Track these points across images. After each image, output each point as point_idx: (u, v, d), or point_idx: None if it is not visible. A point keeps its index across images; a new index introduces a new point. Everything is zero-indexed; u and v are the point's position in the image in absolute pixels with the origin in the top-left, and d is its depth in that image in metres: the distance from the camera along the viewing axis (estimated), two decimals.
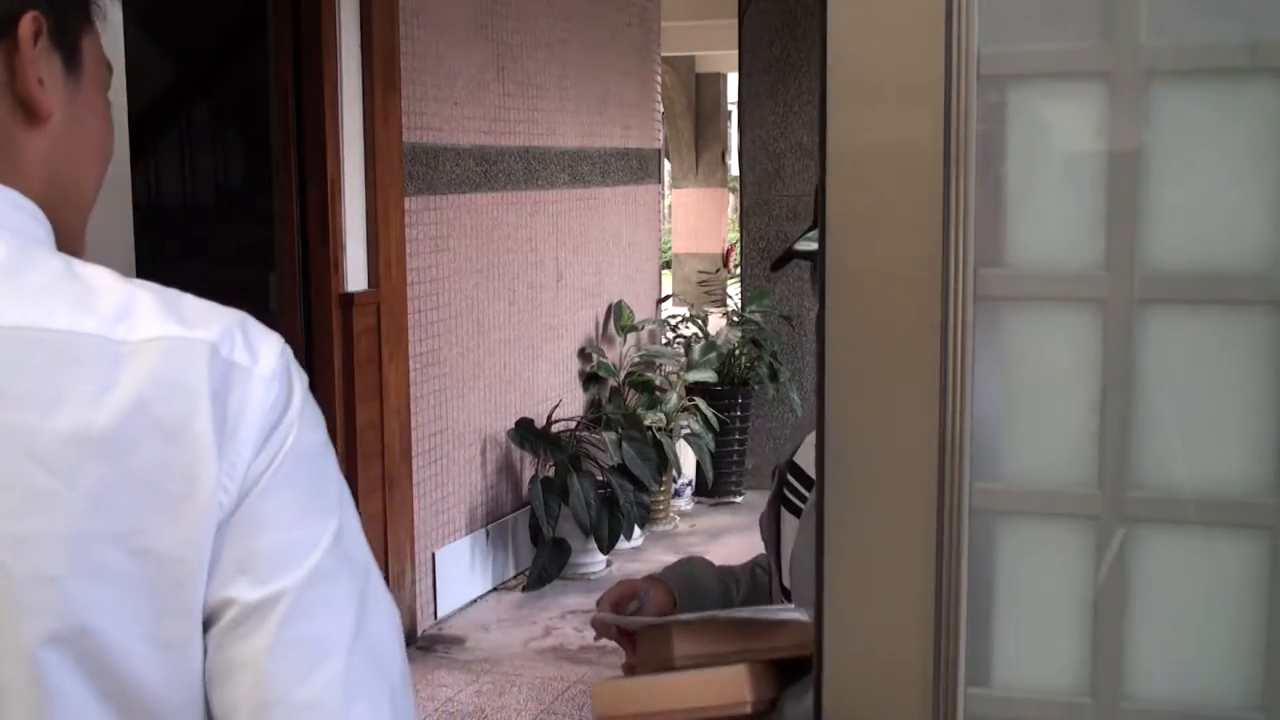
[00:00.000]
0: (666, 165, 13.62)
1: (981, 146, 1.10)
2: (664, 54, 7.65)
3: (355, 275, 4.78)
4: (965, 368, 1.11)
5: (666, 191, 13.46)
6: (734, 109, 9.39)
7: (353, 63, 4.64)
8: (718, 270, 9.88)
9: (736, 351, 6.95)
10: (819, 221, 1.14)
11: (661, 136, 7.98)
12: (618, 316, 6.76)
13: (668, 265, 13.24)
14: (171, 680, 0.79)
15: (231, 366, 0.83)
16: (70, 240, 0.97)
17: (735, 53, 7.29)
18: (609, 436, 5.86)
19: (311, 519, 0.85)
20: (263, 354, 0.86)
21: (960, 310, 1.11)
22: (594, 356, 6.54)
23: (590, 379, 6.58)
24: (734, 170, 11.03)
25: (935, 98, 1.09)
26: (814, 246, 1.62)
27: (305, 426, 0.87)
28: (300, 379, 0.88)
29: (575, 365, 6.58)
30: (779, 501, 1.70)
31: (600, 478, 5.78)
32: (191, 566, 0.80)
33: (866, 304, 1.13)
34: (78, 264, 0.88)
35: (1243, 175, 1.10)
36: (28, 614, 0.76)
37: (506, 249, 5.82)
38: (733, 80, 9.18)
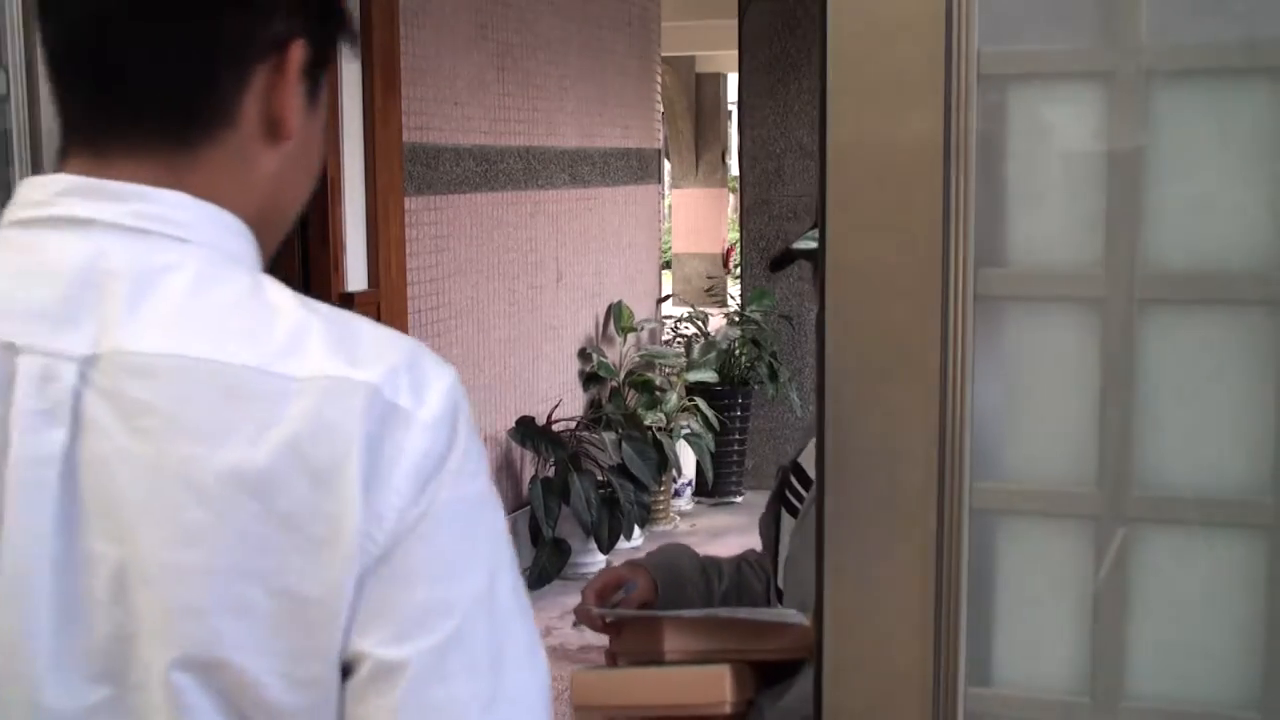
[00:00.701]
0: (666, 165, 13.63)
1: (981, 146, 1.10)
2: (664, 54, 7.66)
3: (355, 275, 4.77)
4: (965, 368, 1.11)
5: (666, 191, 13.46)
6: (734, 109, 9.39)
7: (353, 63, 4.63)
8: (725, 272, 9.87)
9: (736, 351, 6.95)
10: (819, 221, 1.14)
11: (661, 136, 7.98)
12: (618, 317, 6.76)
13: (668, 265, 13.25)
14: (307, 712, 0.79)
15: (392, 410, 0.81)
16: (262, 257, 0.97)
17: (735, 53, 7.29)
18: (609, 436, 5.86)
19: (459, 574, 0.83)
20: (429, 397, 0.83)
21: (960, 310, 1.11)
22: (594, 356, 6.54)
23: (590, 379, 6.58)
24: (734, 170, 11.03)
25: (935, 98, 1.09)
26: (813, 245, 1.61)
27: (463, 476, 0.84)
28: (464, 423, 0.85)
29: (575, 365, 6.57)
30: (779, 502, 1.69)
31: (600, 478, 5.78)
32: (330, 611, 0.79)
33: (866, 304, 1.13)
34: (266, 282, 0.87)
35: (1242, 175, 1.10)
36: (169, 640, 0.78)
37: (506, 249, 5.82)
38: (733, 80, 9.18)
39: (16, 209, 0.87)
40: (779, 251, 1.68)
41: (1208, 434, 1.11)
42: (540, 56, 6.08)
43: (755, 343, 7.05)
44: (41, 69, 1.32)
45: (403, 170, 5.01)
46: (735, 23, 7.29)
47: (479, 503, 0.85)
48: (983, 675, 1.15)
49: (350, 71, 4.72)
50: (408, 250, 5.11)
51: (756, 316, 7.12)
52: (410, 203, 5.10)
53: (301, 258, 4.79)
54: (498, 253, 5.73)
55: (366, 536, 0.79)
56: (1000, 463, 1.13)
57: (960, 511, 1.12)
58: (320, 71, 0.94)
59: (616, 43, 6.88)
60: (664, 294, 7.90)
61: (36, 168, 1.33)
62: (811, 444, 1.69)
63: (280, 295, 0.86)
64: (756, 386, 7.01)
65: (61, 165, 0.88)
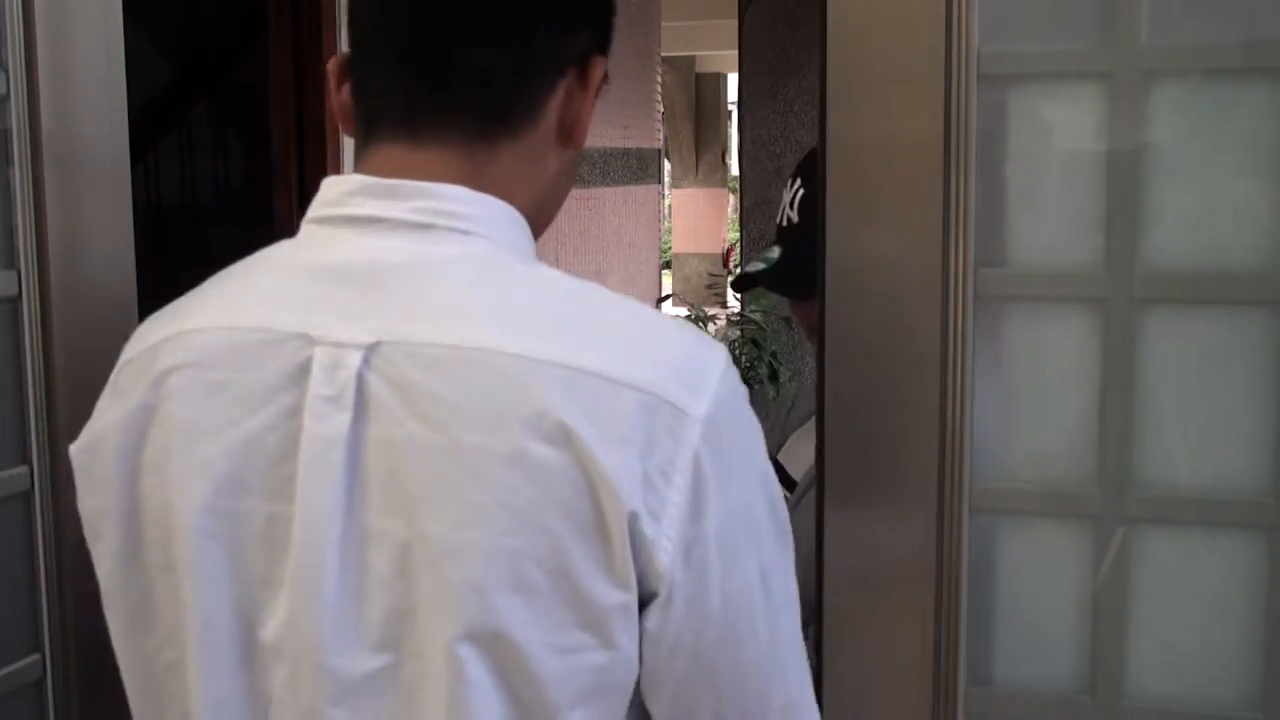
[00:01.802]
0: (666, 165, 13.63)
1: (981, 146, 1.10)
2: (664, 54, 7.65)
3: None
4: (965, 368, 1.11)
5: (666, 191, 13.46)
6: (734, 109, 9.39)
7: None
8: (725, 272, 9.87)
9: (736, 352, 6.95)
10: (819, 221, 1.14)
11: (661, 136, 7.98)
12: None
13: (668, 265, 13.24)
14: (563, 677, 0.84)
15: (668, 409, 0.84)
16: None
17: (735, 53, 7.29)
18: None
19: (736, 568, 0.87)
20: (702, 393, 0.86)
21: (960, 310, 1.11)
22: None
23: None
24: (734, 170, 11.03)
25: (935, 97, 1.09)
26: (763, 266, 1.60)
27: (737, 474, 0.88)
28: (741, 419, 0.89)
29: None
30: None
31: None
32: (599, 590, 0.83)
33: (866, 304, 1.13)
34: (545, 271, 0.92)
35: (1242, 175, 1.10)
36: (455, 615, 0.83)
37: None
38: (733, 80, 9.18)
39: (316, 207, 0.94)
40: (738, 275, 1.68)
41: (1208, 434, 1.11)
42: None
43: (755, 343, 7.05)
44: (42, 69, 1.33)
45: None
46: (735, 23, 7.29)
47: (754, 492, 0.89)
48: (983, 675, 1.15)
49: None
50: None
51: (756, 317, 7.12)
52: None
53: None
54: None
55: (638, 521, 0.83)
56: (1000, 463, 1.13)
57: (960, 511, 1.12)
58: (593, 100, 1.01)
59: (616, 43, 6.88)
60: (664, 294, 7.89)
61: (37, 167, 1.33)
62: (791, 440, 1.68)
63: (562, 284, 0.91)
64: (756, 387, 7.01)
65: (365, 152, 0.95)
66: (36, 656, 1.33)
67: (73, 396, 1.34)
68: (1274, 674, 1.10)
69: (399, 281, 0.88)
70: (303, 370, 0.87)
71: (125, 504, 0.91)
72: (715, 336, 7.15)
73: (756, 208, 7.48)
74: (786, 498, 1.63)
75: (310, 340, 0.87)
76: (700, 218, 14.72)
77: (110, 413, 0.92)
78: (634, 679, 0.86)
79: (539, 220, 0.99)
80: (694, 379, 0.86)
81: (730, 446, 0.87)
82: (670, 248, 14.14)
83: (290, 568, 0.86)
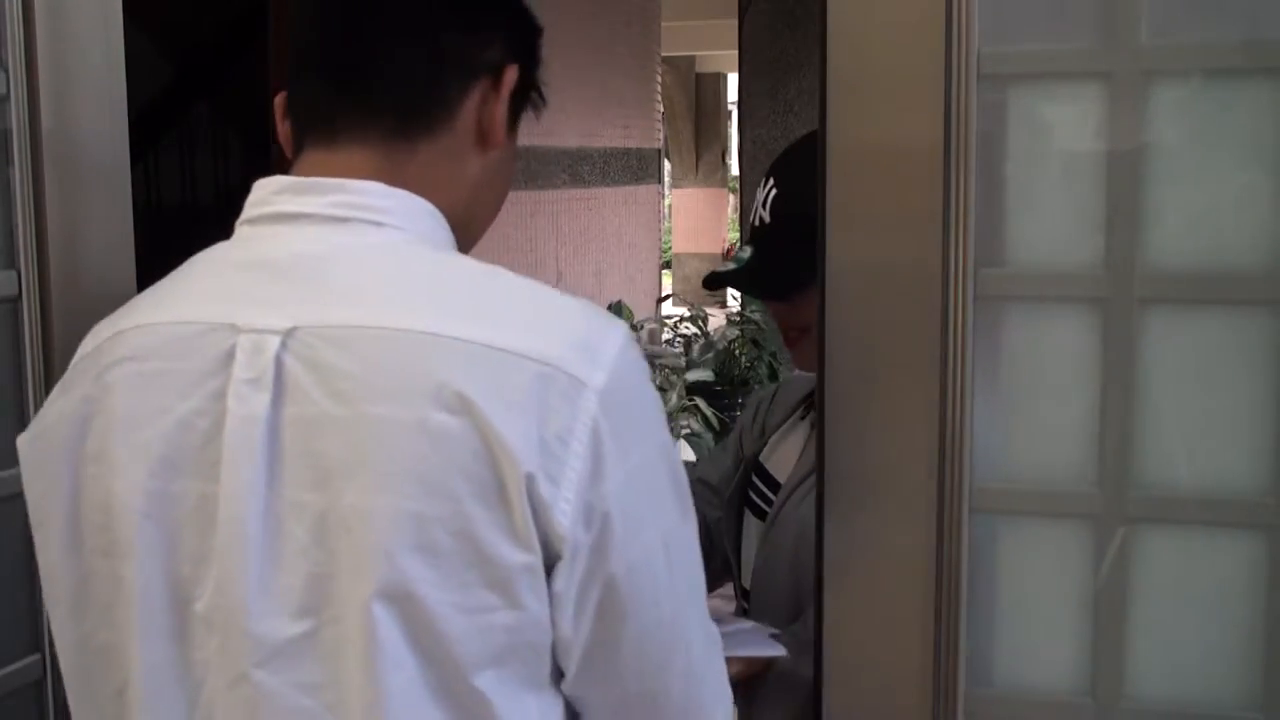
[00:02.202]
0: (666, 165, 13.63)
1: (981, 146, 1.10)
2: (664, 54, 7.66)
3: None
4: (965, 368, 1.11)
5: (666, 191, 13.46)
6: (734, 109, 9.39)
7: None
8: None
9: (736, 351, 6.95)
10: (819, 220, 1.14)
11: (661, 136, 7.98)
12: (617, 316, 6.76)
13: (668, 265, 13.25)
14: (472, 636, 0.89)
15: (565, 379, 0.89)
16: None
17: (735, 53, 7.30)
18: None
19: (637, 535, 0.92)
20: (600, 365, 0.91)
21: (960, 310, 1.11)
22: None
23: None
24: (734, 170, 11.03)
25: (935, 98, 1.09)
26: (734, 267, 1.58)
27: (637, 444, 0.92)
28: (640, 392, 0.94)
29: None
30: (741, 497, 1.67)
31: None
32: (501, 550, 0.88)
33: (866, 304, 1.13)
34: (455, 258, 1.00)
35: (1242, 175, 1.10)
36: (368, 577, 0.88)
37: (506, 249, 5.82)
38: (733, 80, 9.18)
39: (246, 209, 1.01)
40: (709, 274, 1.67)
41: (1208, 434, 1.11)
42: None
43: (755, 343, 7.06)
44: (42, 69, 1.33)
45: None
46: (735, 23, 7.28)
47: (656, 461, 0.94)
48: (983, 675, 1.15)
49: None
50: None
51: (756, 316, 7.12)
52: None
53: None
54: (497, 253, 5.73)
55: (534, 484, 0.88)
56: (1000, 463, 1.13)
57: (960, 511, 1.12)
58: (518, 113, 1.08)
59: (616, 42, 6.88)
60: (664, 294, 7.89)
61: (37, 167, 1.33)
62: (773, 441, 1.67)
63: (469, 269, 0.97)
64: (756, 386, 7.01)
65: (295, 161, 1.03)
66: (36, 656, 1.33)
67: None
68: (1274, 674, 1.10)
69: (316, 271, 0.95)
70: (229, 357, 0.93)
71: (69, 492, 0.97)
72: (715, 336, 7.16)
73: None
74: (771, 499, 1.61)
75: (235, 329, 0.93)
76: (700, 218, 14.72)
77: (56, 405, 0.99)
78: (548, 642, 0.91)
79: (471, 222, 1.07)
80: (592, 352, 0.91)
81: (630, 417, 0.92)
82: (670, 248, 14.13)
83: (217, 542, 0.91)
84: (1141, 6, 1.08)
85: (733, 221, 13.49)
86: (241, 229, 1.01)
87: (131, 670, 0.95)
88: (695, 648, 0.99)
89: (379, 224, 0.97)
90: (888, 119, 1.10)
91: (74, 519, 0.97)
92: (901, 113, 1.10)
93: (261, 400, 0.91)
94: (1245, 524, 1.10)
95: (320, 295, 0.93)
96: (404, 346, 0.90)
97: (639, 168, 7.18)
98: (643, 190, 7.26)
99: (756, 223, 1.57)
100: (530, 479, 0.87)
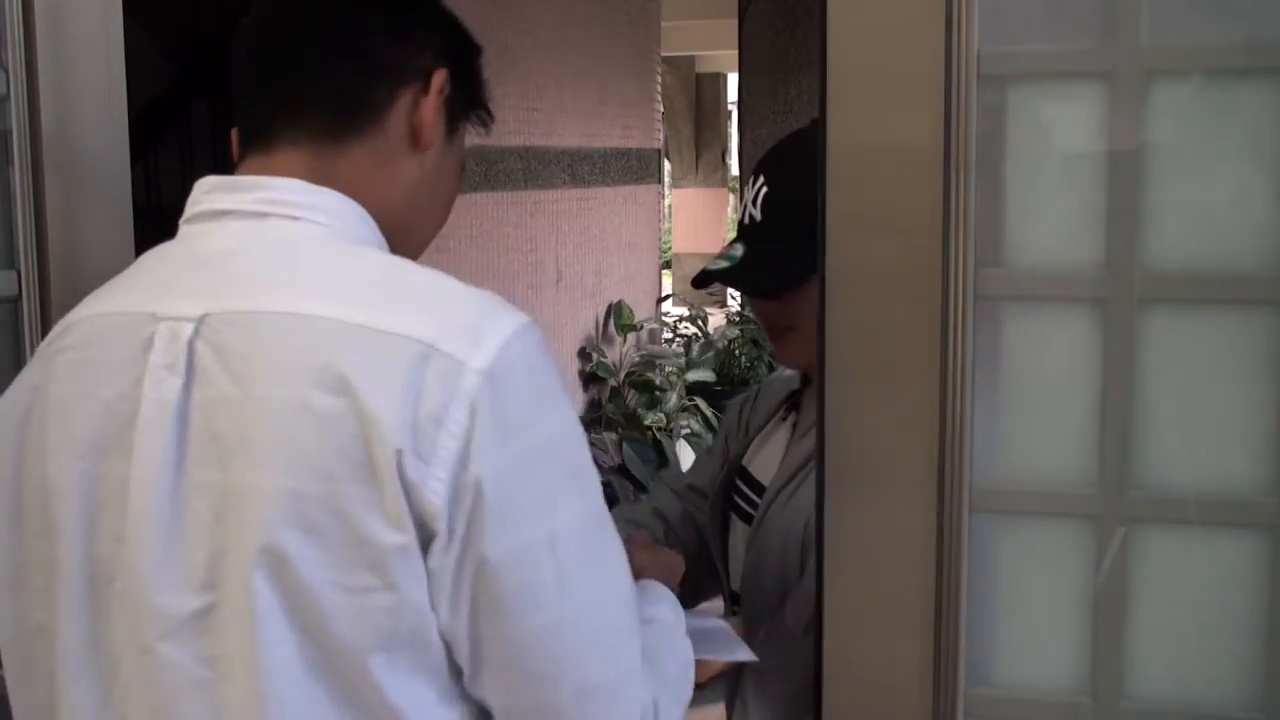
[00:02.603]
0: (666, 165, 13.63)
1: (981, 146, 1.10)
2: (664, 54, 7.66)
3: None
4: (965, 368, 1.11)
5: (666, 191, 13.46)
6: (734, 109, 9.39)
7: None
8: None
9: (736, 351, 6.96)
10: (819, 221, 1.14)
11: (661, 136, 7.98)
12: (617, 316, 6.76)
13: (668, 265, 13.24)
14: (354, 617, 0.91)
15: (443, 358, 0.91)
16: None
17: (735, 53, 7.29)
18: (609, 437, 5.87)
19: (514, 528, 0.92)
20: (483, 347, 0.92)
21: (960, 310, 1.11)
22: (594, 356, 6.54)
23: (590, 379, 6.58)
24: (734, 170, 11.03)
25: (935, 98, 1.09)
26: (725, 265, 1.57)
27: (521, 433, 0.93)
28: (531, 381, 0.94)
29: (575, 365, 6.58)
30: (725, 501, 1.66)
31: (601, 479, 5.78)
32: (375, 530, 0.90)
33: (866, 304, 1.13)
34: (364, 251, 1.02)
35: (1242, 175, 1.10)
36: (251, 552, 0.91)
37: (506, 249, 5.82)
38: (733, 80, 9.18)
39: (186, 207, 1.07)
40: (699, 272, 1.65)
41: (1208, 434, 1.11)
42: (540, 56, 6.08)
43: (755, 343, 7.06)
44: (42, 69, 1.33)
45: None
46: (735, 23, 7.28)
47: (544, 450, 0.95)
48: (983, 675, 1.15)
49: None
50: None
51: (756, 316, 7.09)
52: None
53: None
54: (497, 253, 5.73)
55: (407, 468, 0.89)
56: (1000, 463, 1.13)
57: (960, 511, 1.12)
58: (457, 121, 1.13)
59: (616, 43, 6.88)
60: (664, 294, 7.89)
61: (37, 167, 1.33)
62: (755, 444, 1.66)
63: (378, 261, 1.01)
64: (756, 386, 7.01)
65: (238, 161, 1.09)
66: None
67: None
68: (1275, 674, 1.10)
69: (232, 262, 1.00)
70: (149, 344, 0.97)
71: (12, 475, 1.02)
72: (715, 336, 7.16)
73: None
74: (756, 502, 1.60)
75: (155, 318, 0.98)
76: (700, 217, 14.71)
77: (9, 394, 1.05)
78: (431, 629, 0.92)
79: (413, 225, 1.11)
80: (478, 335, 0.93)
81: (516, 402, 0.93)
82: (670, 248, 14.13)
83: (128, 520, 0.96)
84: (1141, 6, 1.08)
85: (732, 221, 13.48)
86: (182, 227, 1.06)
87: (58, 650, 0.99)
88: (596, 665, 0.97)
89: (295, 218, 1.02)
90: (888, 119, 1.10)
91: (15, 500, 1.01)
92: (901, 113, 1.10)
93: (174, 385, 0.95)
94: (1245, 524, 1.10)
95: (231, 284, 0.98)
96: (294, 329, 0.93)
97: (639, 168, 7.18)
98: (643, 190, 7.26)
99: (746, 220, 1.56)
100: (400, 455, 0.89)
